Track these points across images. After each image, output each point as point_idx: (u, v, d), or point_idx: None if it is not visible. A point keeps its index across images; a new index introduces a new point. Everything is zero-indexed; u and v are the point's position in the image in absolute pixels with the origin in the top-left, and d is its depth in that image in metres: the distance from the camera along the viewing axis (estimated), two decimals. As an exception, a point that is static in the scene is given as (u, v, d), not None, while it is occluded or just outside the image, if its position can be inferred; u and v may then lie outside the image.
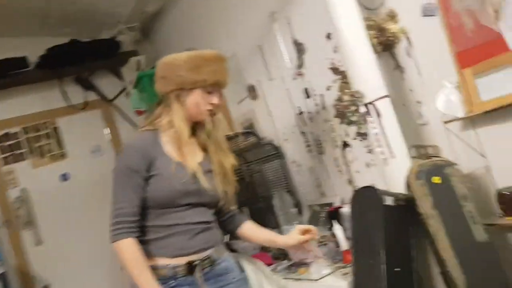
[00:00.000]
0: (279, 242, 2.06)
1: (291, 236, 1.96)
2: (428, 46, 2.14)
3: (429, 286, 2.07)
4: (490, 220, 2.02)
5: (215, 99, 1.86)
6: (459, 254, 1.88)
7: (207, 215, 1.88)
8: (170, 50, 2.19)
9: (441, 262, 1.89)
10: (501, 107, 1.82)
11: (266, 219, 3.40)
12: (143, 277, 1.70)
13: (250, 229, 2.08)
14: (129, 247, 1.71)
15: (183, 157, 1.84)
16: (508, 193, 1.95)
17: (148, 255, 1.76)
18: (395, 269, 1.95)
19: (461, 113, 1.97)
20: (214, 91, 1.86)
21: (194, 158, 1.88)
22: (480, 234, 1.91)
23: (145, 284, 1.69)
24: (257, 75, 3.47)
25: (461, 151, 2.09)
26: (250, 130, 3.62)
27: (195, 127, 1.92)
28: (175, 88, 1.84)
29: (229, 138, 3.50)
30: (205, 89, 1.83)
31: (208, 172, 1.88)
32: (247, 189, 3.40)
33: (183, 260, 1.78)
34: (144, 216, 1.78)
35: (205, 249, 1.82)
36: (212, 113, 1.87)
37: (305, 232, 1.94)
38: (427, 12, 2.08)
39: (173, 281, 1.76)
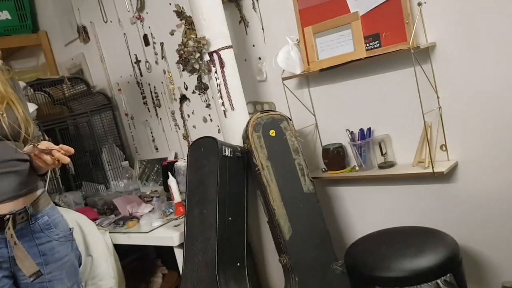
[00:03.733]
0: None
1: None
2: (274, 1, 2.15)
3: (258, 235, 2.15)
4: (315, 174, 2.17)
5: None
6: (287, 204, 1.98)
7: (4, 154, 1.53)
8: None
9: (270, 212, 1.96)
10: (333, 67, 1.93)
11: (93, 174, 3.15)
12: None
13: None
14: None
15: None
16: (331, 149, 2.11)
17: None
18: (228, 219, 1.97)
19: (299, 70, 2.05)
20: None
21: None
22: (306, 185, 2.03)
23: None
24: (91, 15, 3.13)
25: (295, 107, 2.18)
26: (78, 77, 3.26)
27: None
28: None
29: (53, 83, 3.13)
30: None
31: None
32: (72, 142, 3.08)
33: None
34: None
35: (13, 198, 1.53)
36: None
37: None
38: (275, -33, 2.08)
39: None
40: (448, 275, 1.60)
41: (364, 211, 2.15)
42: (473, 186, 1.80)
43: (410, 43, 1.69)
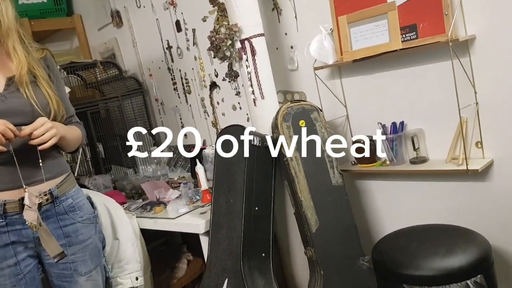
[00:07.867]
0: None
1: None
2: (308, -11, 2.11)
3: (283, 226, 2.13)
4: (344, 166, 2.14)
5: None
6: (314, 196, 1.95)
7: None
8: None
9: (297, 203, 1.94)
10: (367, 58, 1.88)
11: (123, 158, 3.19)
12: None
13: None
14: None
15: None
16: (361, 142, 2.07)
17: None
18: (254, 209, 1.96)
19: (331, 60, 2.00)
20: None
21: None
22: (335, 178, 2.00)
23: None
24: (124, 0, 3.15)
25: (326, 98, 2.14)
26: (110, 61, 3.30)
27: None
28: None
29: (86, 67, 3.18)
30: None
31: (14, 84, 1.54)
32: (102, 126, 3.12)
33: (13, 195, 1.51)
34: None
35: (41, 181, 1.56)
36: None
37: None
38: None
39: (1, 220, 1.51)
40: (479, 276, 1.55)
41: (393, 207, 2.10)
42: (508, 185, 1.74)
43: (449, 35, 1.62)
